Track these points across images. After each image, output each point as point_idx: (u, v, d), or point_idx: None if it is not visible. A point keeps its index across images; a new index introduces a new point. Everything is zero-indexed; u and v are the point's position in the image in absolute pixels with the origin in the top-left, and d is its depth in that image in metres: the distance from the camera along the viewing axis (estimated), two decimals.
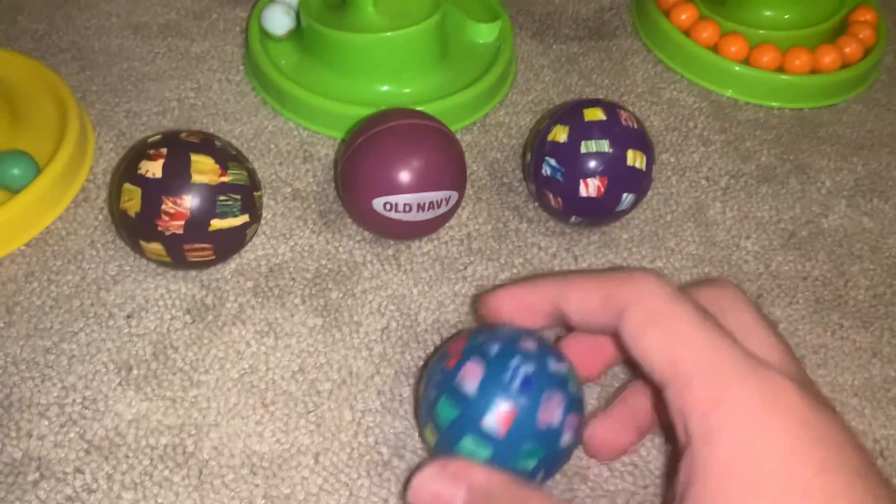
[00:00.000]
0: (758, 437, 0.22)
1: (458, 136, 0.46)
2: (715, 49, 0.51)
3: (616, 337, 0.27)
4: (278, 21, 0.47)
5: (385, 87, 0.46)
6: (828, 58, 0.50)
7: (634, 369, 0.33)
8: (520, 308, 0.29)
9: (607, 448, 0.31)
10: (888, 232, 0.43)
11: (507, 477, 0.26)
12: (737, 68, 0.50)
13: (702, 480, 0.22)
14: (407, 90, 0.46)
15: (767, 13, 0.52)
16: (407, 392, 0.35)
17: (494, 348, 0.28)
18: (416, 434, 0.33)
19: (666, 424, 0.30)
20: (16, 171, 0.38)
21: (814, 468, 0.22)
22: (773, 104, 0.50)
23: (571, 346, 0.32)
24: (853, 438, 0.23)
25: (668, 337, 0.24)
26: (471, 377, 0.28)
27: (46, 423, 0.33)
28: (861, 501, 0.21)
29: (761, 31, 0.51)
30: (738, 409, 0.22)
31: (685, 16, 0.52)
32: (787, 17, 0.52)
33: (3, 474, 0.31)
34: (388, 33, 0.44)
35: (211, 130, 0.45)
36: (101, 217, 0.40)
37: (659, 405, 0.30)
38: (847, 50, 0.51)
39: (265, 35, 0.47)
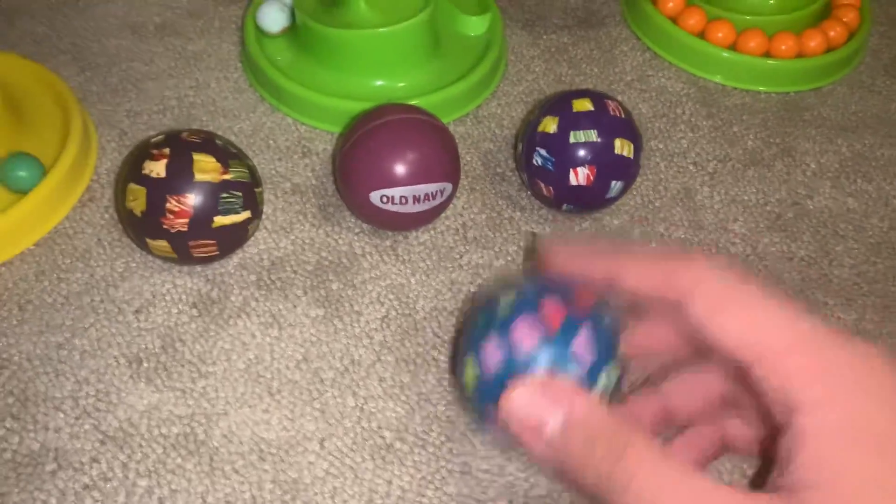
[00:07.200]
0: (867, 401, 0.22)
1: (452, 128, 0.47)
2: (702, 35, 0.52)
3: (674, 318, 0.25)
4: (273, 18, 0.48)
5: (379, 82, 0.47)
6: (813, 42, 0.51)
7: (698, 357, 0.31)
8: (570, 269, 0.28)
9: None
10: (871, 212, 0.44)
11: (609, 412, 0.24)
12: (724, 54, 0.51)
13: (813, 446, 0.22)
14: (401, 84, 0.47)
15: None
16: (407, 378, 0.36)
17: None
18: (417, 418, 0.35)
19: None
20: (22, 174, 0.40)
21: None
22: (760, 89, 0.51)
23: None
24: None
25: (748, 315, 0.23)
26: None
27: (62, 415, 0.34)
28: None
29: (747, 17, 0.52)
30: (843, 375, 0.22)
31: (672, 3, 0.53)
32: (772, 2, 0.53)
33: (23, 465, 0.32)
34: (381, 29, 0.45)
35: (210, 128, 0.46)
36: (106, 216, 0.41)
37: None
38: (832, 34, 0.52)
39: (261, 32, 0.48)
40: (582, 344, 0.27)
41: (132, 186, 0.36)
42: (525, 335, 0.27)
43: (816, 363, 0.22)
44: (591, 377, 0.26)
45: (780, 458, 0.23)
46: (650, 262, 0.26)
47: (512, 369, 0.27)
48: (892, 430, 0.22)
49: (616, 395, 0.28)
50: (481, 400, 0.28)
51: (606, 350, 0.27)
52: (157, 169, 0.35)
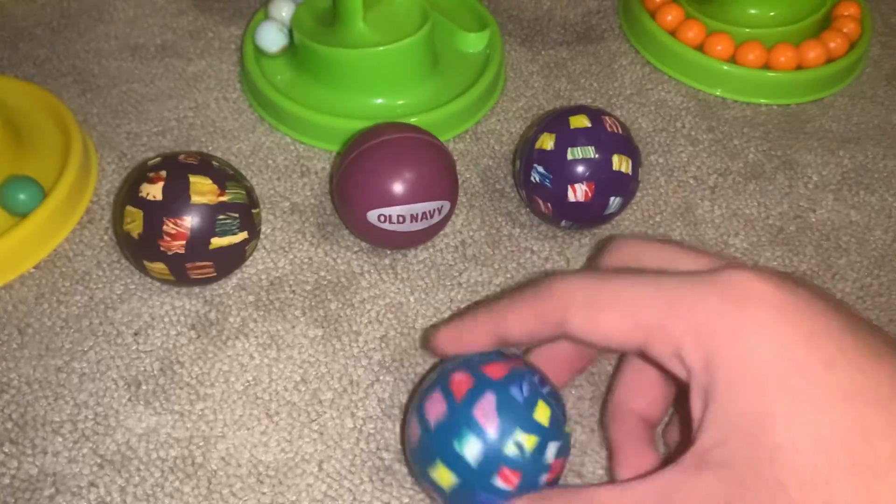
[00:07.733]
0: (741, 340, 0.23)
1: (451, 145, 0.47)
2: (701, 48, 0.52)
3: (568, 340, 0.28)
4: (272, 38, 0.48)
5: (379, 100, 0.47)
6: (812, 53, 0.51)
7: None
8: (462, 346, 0.30)
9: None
10: (874, 224, 0.44)
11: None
12: (724, 67, 0.51)
13: (716, 400, 0.23)
14: (400, 102, 0.47)
15: (752, 11, 0.53)
16: (406, 398, 0.36)
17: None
18: None
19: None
20: (22, 197, 0.40)
21: (802, 343, 0.22)
22: (760, 101, 0.51)
23: (538, 357, 0.32)
24: (824, 296, 0.24)
25: (617, 310, 0.25)
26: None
27: (60, 439, 0.34)
28: (855, 348, 0.22)
29: (747, 30, 0.52)
30: (714, 325, 0.23)
31: (671, 16, 0.53)
32: (771, 14, 0.53)
33: (21, 490, 0.32)
34: (380, 48, 0.45)
35: (210, 148, 0.46)
36: (106, 238, 0.41)
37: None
38: (832, 45, 0.52)
39: (259, 52, 0.49)
40: (484, 410, 0.28)
41: (129, 209, 0.36)
42: (433, 408, 0.29)
43: (693, 323, 0.24)
44: (497, 444, 0.27)
45: (694, 415, 0.24)
46: (522, 308, 0.28)
47: (428, 443, 0.28)
48: (775, 360, 0.22)
49: (538, 463, 0.28)
50: (416, 465, 0.30)
51: (514, 418, 0.28)
52: (153, 192, 0.35)
